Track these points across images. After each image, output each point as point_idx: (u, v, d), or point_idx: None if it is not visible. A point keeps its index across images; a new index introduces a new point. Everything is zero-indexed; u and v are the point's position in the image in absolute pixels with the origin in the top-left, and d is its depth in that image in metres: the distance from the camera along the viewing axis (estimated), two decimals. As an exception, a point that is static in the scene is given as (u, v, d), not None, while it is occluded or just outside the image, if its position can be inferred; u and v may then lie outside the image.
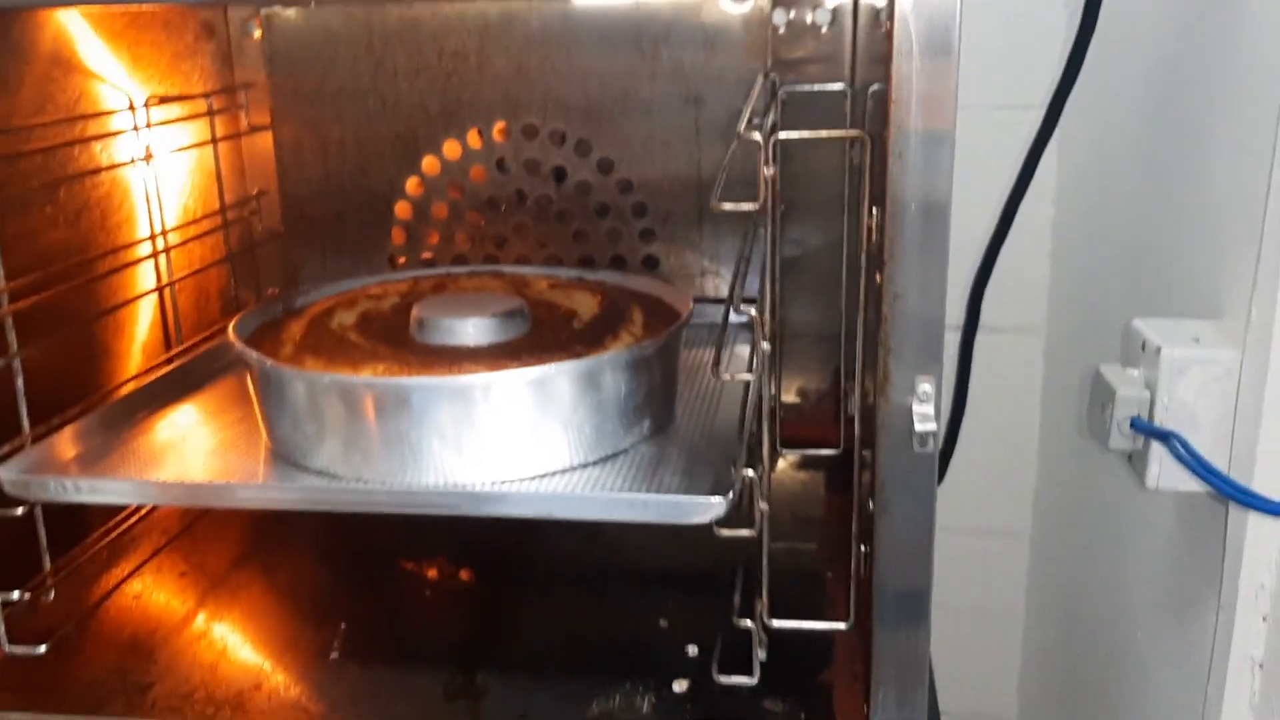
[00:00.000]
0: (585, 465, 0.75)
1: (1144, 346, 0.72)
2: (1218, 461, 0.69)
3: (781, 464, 1.08)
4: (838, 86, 0.90)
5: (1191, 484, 0.70)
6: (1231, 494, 0.65)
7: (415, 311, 0.83)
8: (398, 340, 0.81)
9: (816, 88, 0.94)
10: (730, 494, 0.67)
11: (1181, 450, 0.68)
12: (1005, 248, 1.08)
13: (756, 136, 0.60)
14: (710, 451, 0.77)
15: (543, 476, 0.74)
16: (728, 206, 0.61)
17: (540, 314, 0.86)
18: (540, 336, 0.82)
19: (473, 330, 0.80)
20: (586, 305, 0.88)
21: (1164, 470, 0.71)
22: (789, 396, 1.12)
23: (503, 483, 0.73)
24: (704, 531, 0.70)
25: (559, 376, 0.73)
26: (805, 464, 1.08)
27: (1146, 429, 0.71)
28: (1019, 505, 1.33)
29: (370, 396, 0.73)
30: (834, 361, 1.10)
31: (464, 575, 0.92)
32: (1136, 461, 0.74)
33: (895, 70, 0.55)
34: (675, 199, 1.07)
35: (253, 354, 0.77)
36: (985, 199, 1.07)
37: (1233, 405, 0.69)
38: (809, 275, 1.07)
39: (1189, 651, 0.76)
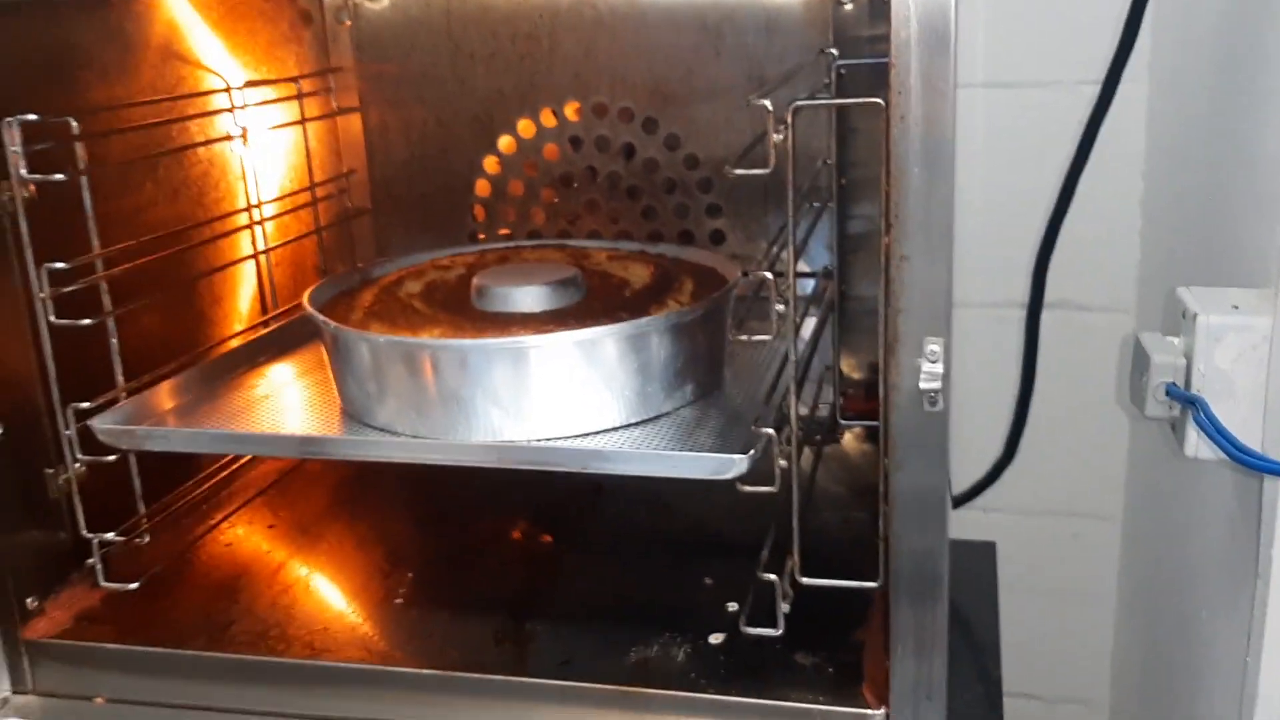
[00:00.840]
0: (628, 426, 0.79)
1: (1184, 314, 0.72)
2: (1255, 430, 0.69)
3: (846, 437, 1.10)
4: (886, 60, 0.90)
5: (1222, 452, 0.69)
6: (1242, 459, 0.65)
7: (475, 280, 0.88)
8: (458, 307, 0.86)
9: (867, 61, 0.95)
10: (752, 452, 0.69)
11: (1203, 418, 0.67)
12: (1094, 226, 1.07)
13: (765, 103, 0.62)
14: (750, 416, 0.80)
15: (586, 435, 0.78)
16: (739, 172, 0.64)
17: (594, 283, 0.90)
18: (591, 304, 0.86)
19: (527, 297, 0.85)
20: (640, 275, 0.92)
21: (1201, 439, 0.71)
22: (856, 372, 1.13)
23: (547, 439, 0.77)
24: (750, 495, 0.72)
25: (604, 340, 0.77)
26: (870, 437, 1.10)
27: (1179, 396, 0.71)
28: (1110, 486, 1.31)
29: (426, 357, 0.78)
30: (897, 335, 1.11)
31: (517, 534, 0.96)
32: (1177, 430, 0.74)
33: (894, 31, 0.56)
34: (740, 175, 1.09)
35: (321, 318, 0.83)
36: (1054, 176, 1.07)
37: (1265, 374, 0.68)
38: (875, 251, 1.08)
39: (1240, 624, 0.75)
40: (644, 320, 0.78)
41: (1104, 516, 1.33)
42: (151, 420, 0.86)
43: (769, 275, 0.65)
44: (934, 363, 0.62)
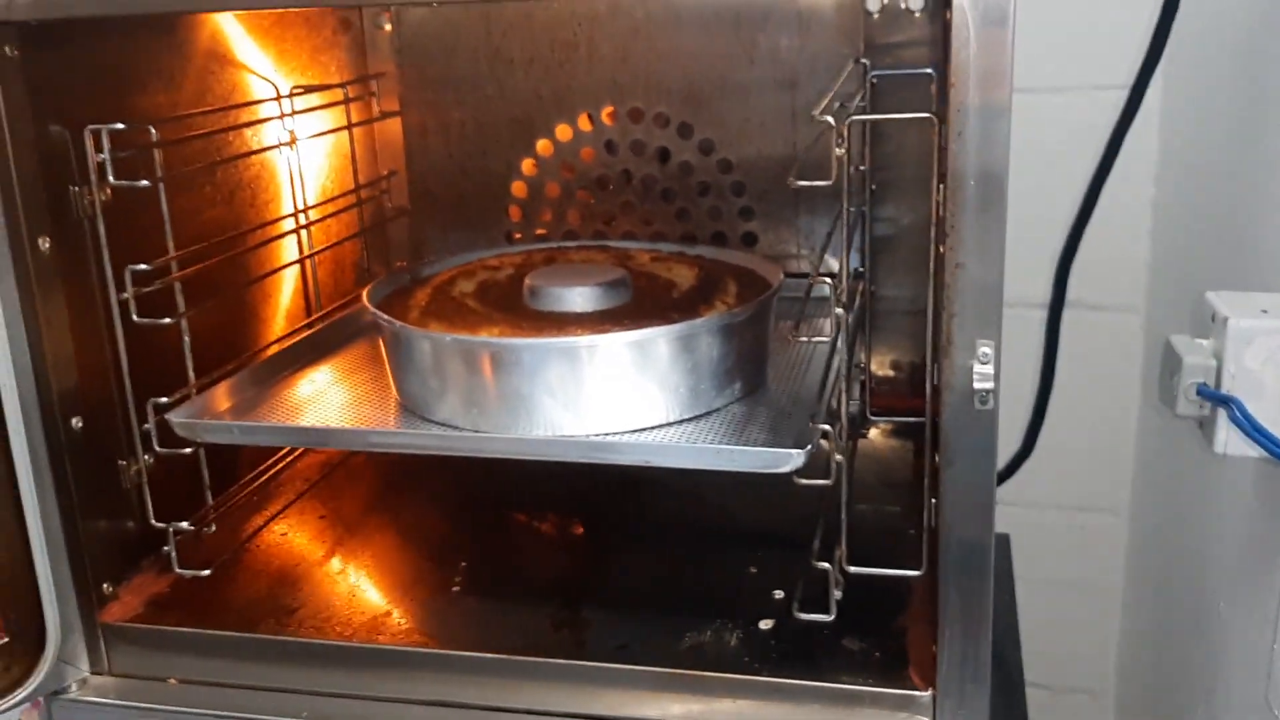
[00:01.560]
0: (681, 422, 0.82)
1: (1214, 317, 0.76)
2: (1282, 427, 0.73)
3: (874, 432, 1.14)
4: (924, 71, 0.94)
5: (1255, 449, 0.73)
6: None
7: (528, 281, 0.91)
8: (511, 307, 0.90)
9: (904, 72, 0.98)
10: (809, 447, 0.73)
11: (1239, 415, 0.71)
12: (1107, 226, 1.11)
13: (829, 119, 0.66)
14: (796, 413, 0.84)
15: (642, 430, 0.81)
16: (802, 184, 0.67)
17: (641, 284, 0.93)
18: (641, 304, 0.89)
19: (579, 298, 0.88)
20: (685, 276, 0.95)
21: (1230, 436, 0.75)
22: (882, 369, 1.17)
23: (605, 434, 0.80)
24: (790, 488, 0.76)
25: (658, 340, 0.81)
26: (896, 432, 1.13)
27: (1211, 395, 0.75)
28: (1118, 481, 1.35)
29: (487, 355, 0.81)
30: (924, 336, 1.14)
31: (572, 525, 1.00)
32: (1206, 428, 0.77)
33: (954, 52, 0.60)
34: (772, 179, 1.13)
35: (385, 317, 0.86)
36: (1077, 179, 1.10)
37: (1296, 373, 0.72)
38: (902, 253, 1.12)
39: (1262, 613, 0.79)
40: (698, 321, 0.82)
41: (1111, 511, 1.37)
42: (212, 416, 0.89)
43: (829, 281, 0.69)
44: (985, 364, 0.65)
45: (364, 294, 0.93)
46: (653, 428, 0.82)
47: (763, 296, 0.86)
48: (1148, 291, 1.27)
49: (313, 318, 1.11)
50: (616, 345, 0.80)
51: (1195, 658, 1.01)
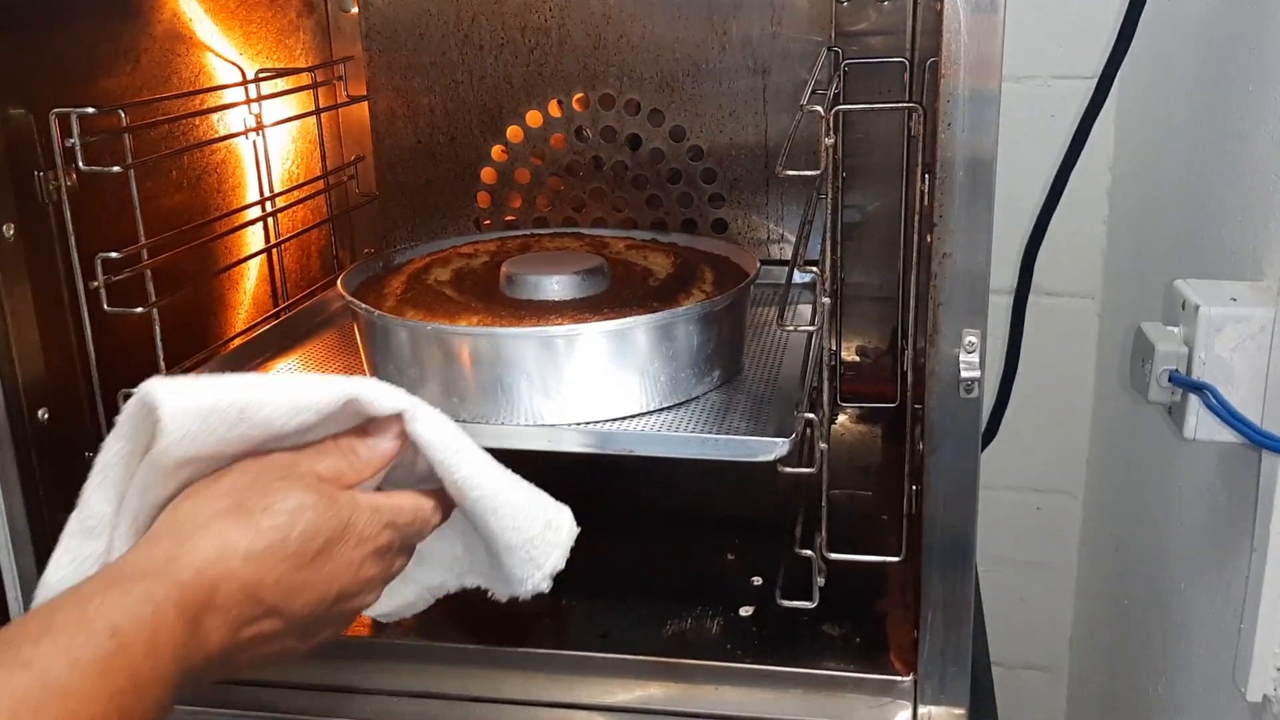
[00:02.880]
0: (661, 410, 0.82)
1: (1184, 305, 0.77)
2: (1252, 413, 0.74)
3: (842, 417, 1.15)
4: (898, 60, 0.95)
5: (1225, 434, 0.75)
6: (1261, 441, 0.70)
7: (505, 269, 0.90)
8: (489, 295, 0.89)
9: (878, 60, 0.99)
10: (793, 435, 0.73)
11: (1214, 401, 0.73)
12: (1063, 214, 1.12)
13: (818, 108, 0.66)
14: (775, 399, 0.84)
15: (622, 419, 0.81)
16: (791, 173, 0.67)
17: (619, 272, 0.93)
18: (619, 292, 0.89)
19: (557, 286, 0.88)
20: (661, 264, 0.95)
21: (1200, 421, 0.76)
22: (849, 355, 1.18)
23: (586, 423, 0.80)
24: (768, 475, 0.77)
25: (637, 329, 0.80)
26: (864, 417, 1.15)
27: (1183, 382, 0.76)
28: (1073, 463, 1.38)
29: (467, 345, 0.80)
30: (892, 321, 1.16)
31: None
32: (1175, 414, 0.79)
33: (945, 44, 0.60)
34: (743, 166, 1.13)
35: (363, 306, 0.85)
36: (1040, 167, 1.12)
37: (1266, 360, 0.74)
38: (869, 239, 1.13)
39: (1226, 595, 0.81)
40: (679, 310, 0.82)
41: (1067, 492, 1.40)
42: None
43: (814, 271, 0.69)
44: (971, 353, 0.66)
45: (339, 281, 0.91)
46: (633, 416, 0.82)
47: (741, 284, 0.87)
48: (1104, 278, 1.29)
49: (280, 306, 1.09)
50: (597, 334, 0.80)
51: (1154, 635, 1.04)
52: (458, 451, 0.63)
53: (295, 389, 0.60)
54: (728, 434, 0.78)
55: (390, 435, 0.63)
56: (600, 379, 0.80)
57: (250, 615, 0.55)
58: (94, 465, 0.60)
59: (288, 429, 0.60)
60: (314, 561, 0.58)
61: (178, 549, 0.53)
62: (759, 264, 0.91)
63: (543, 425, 0.80)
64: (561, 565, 0.68)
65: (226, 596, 0.53)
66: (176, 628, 0.50)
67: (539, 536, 0.67)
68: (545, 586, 0.68)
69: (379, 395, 0.62)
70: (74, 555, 0.58)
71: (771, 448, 0.75)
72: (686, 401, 0.84)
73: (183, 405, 0.57)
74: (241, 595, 0.54)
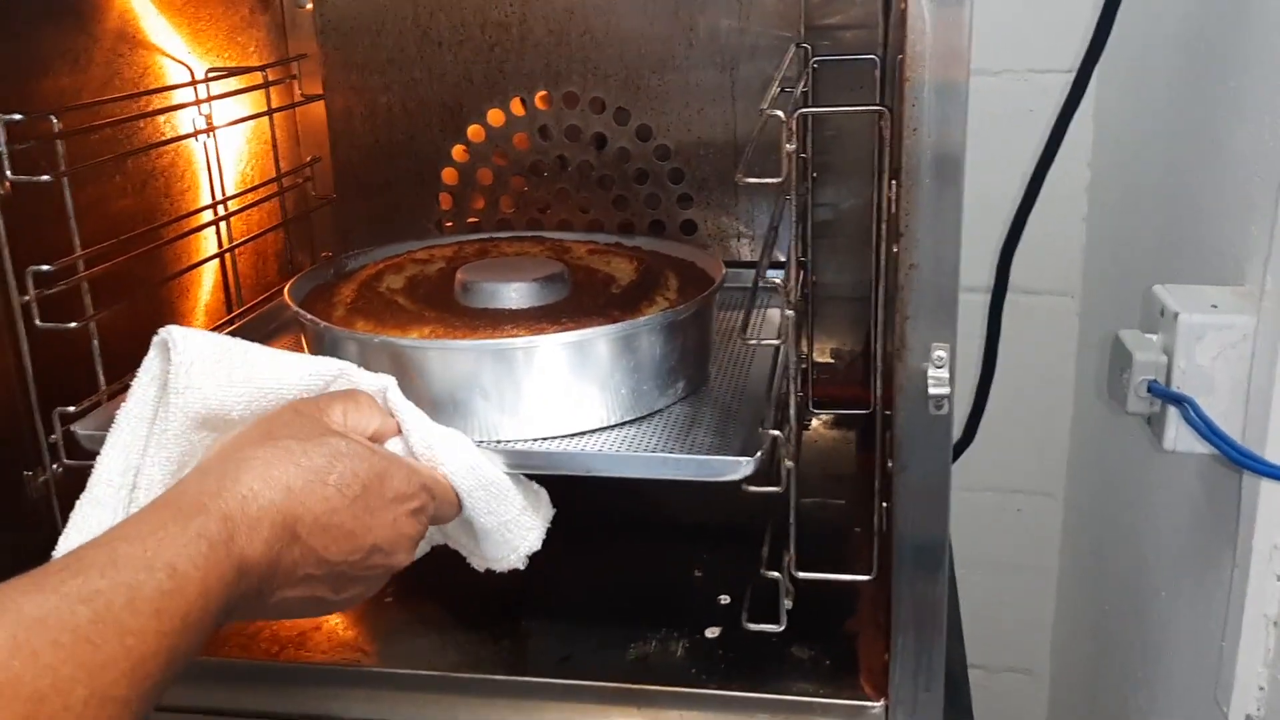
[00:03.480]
0: (622, 424, 0.79)
1: (1163, 312, 0.75)
2: (1233, 425, 0.72)
3: (815, 423, 1.12)
4: (869, 57, 0.92)
5: (1206, 447, 0.72)
6: (1238, 459, 0.68)
7: (460, 275, 0.86)
8: (443, 303, 0.85)
9: (848, 58, 0.96)
10: (759, 454, 0.70)
11: (1193, 415, 0.70)
12: (1042, 211, 1.10)
13: (779, 113, 0.63)
14: (741, 412, 0.81)
15: (582, 435, 0.78)
16: (751, 181, 0.64)
17: (580, 278, 0.89)
18: (580, 300, 0.85)
19: (515, 294, 0.84)
20: (624, 270, 0.92)
21: (1180, 433, 0.74)
22: (822, 357, 1.15)
23: (544, 440, 0.77)
24: (735, 489, 0.74)
25: (597, 340, 0.77)
26: (838, 423, 1.12)
27: (1163, 393, 0.74)
28: (1053, 465, 1.36)
29: (418, 358, 0.76)
30: (866, 323, 1.13)
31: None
32: (1155, 424, 0.77)
33: (910, 45, 0.57)
34: (711, 165, 1.10)
35: (309, 316, 0.82)
36: (1018, 162, 1.09)
37: (1248, 370, 0.71)
38: (842, 239, 1.10)
39: (1207, 609, 0.79)
40: (640, 320, 0.78)
41: (1047, 493, 1.37)
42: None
43: (778, 282, 0.66)
44: (940, 368, 0.63)
45: (285, 291, 0.88)
46: (593, 430, 0.78)
47: (706, 293, 0.83)
48: (1083, 277, 1.27)
49: (234, 313, 1.06)
50: (555, 346, 0.76)
51: (1134, 643, 1.02)
52: (431, 430, 0.68)
53: (297, 355, 0.68)
54: (692, 451, 0.75)
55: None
56: (559, 393, 0.77)
57: (288, 551, 0.57)
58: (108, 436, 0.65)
59: (295, 388, 0.66)
60: (351, 506, 0.60)
61: (224, 480, 0.56)
62: (725, 269, 0.88)
63: (497, 442, 0.76)
64: (538, 546, 0.72)
65: (270, 529, 0.55)
66: (226, 567, 0.52)
67: (514, 520, 0.70)
68: (520, 564, 0.72)
69: (364, 374, 0.69)
70: (80, 525, 0.63)
71: (736, 467, 0.71)
72: (650, 415, 0.80)
73: (193, 335, 0.66)
74: (283, 529, 0.56)
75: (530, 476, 0.75)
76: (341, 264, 0.97)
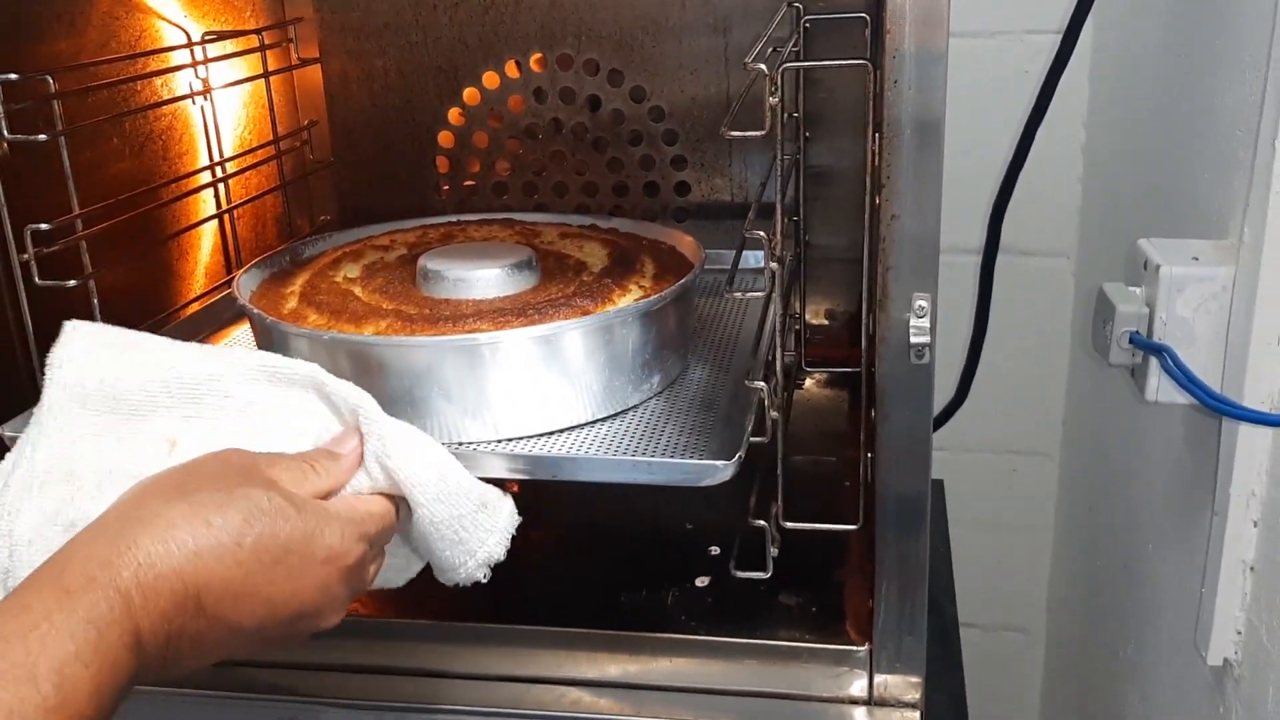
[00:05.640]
0: (594, 422, 0.75)
1: (1146, 265, 0.76)
2: (1212, 375, 0.73)
3: (809, 382, 1.13)
4: (859, 16, 0.92)
5: (1186, 397, 0.73)
6: (1213, 405, 0.69)
7: (421, 262, 0.82)
8: (402, 294, 0.81)
9: (838, 16, 0.96)
10: (737, 456, 0.68)
11: (1171, 364, 0.71)
12: (1037, 171, 1.11)
13: (762, 67, 0.64)
14: (722, 407, 0.77)
15: (551, 434, 0.73)
16: (735, 134, 0.65)
17: (549, 265, 0.85)
18: (548, 289, 0.81)
19: (479, 283, 0.79)
20: (597, 256, 0.88)
21: (1161, 384, 0.75)
22: (817, 319, 1.16)
23: (509, 440, 0.73)
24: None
25: (568, 333, 0.72)
26: (831, 382, 1.13)
27: (1143, 344, 0.75)
28: (1049, 425, 1.37)
29: (372, 356, 0.71)
30: (859, 284, 1.13)
31: (504, 483, 0.98)
32: (1138, 375, 0.78)
33: (890, 0, 0.58)
34: (705, 127, 1.10)
35: (255, 311, 0.77)
36: (1013, 124, 1.10)
37: (1226, 321, 0.72)
38: (836, 200, 1.11)
39: (1190, 558, 0.80)
40: (611, 310, 0.75)
41: (1042, 453, 1.39)
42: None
43: (763, 235, 0.67)
44: (921, 317, 0.64)
45: (235, 280, 0.83)
46: (565, 429, 0.74)
47: (682, 280, 0.78)
48: (1079, 237, 1.28)
49: (234, 275, 1.07)
50: (521, 341, 0.71)
51: (1124, 598, 1.03)
52: (378, 419, 0.61)
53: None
54: (668, 451, 0.71)
55: (354, 437, 0.61)
56: (526, 392, 0.72)
57: (192, 623, 0.51)
58: None
59: (195, 375, 0.62)
60: (268, 571, 0.53)
61: (118, 544, 0.50)
62: (704, 252, 0.84)
63: (459, 445, 0.72)
64: (499, 554, 0.64)
65: (169, 600, 0.50)
66: (119, 652, 0.47)
67: (469, 516, 0.62)
68: (482, 575, 0.65)
69: (293, 363, 0.63)
70: None
71: (713, 471, 0.68)
72: (624, 411, 0.76)
73: (88, 324, 0.62)
74: (184, 599, 0.50)
75: (496, 481, 0.67)
76: (298, 250, 0.93)
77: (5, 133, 0.75)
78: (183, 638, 0.51)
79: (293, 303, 0.81)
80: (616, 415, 0.76)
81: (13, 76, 0.75)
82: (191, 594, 0.51)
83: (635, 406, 0.77)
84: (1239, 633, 0.73)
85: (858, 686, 0.74)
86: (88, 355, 0.61)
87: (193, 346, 0.64)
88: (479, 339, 0.71)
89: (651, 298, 0.76)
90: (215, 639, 0.53)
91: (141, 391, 0.62)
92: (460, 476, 0.63)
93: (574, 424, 0.74)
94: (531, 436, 0.73)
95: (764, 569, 0.76)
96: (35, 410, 0.62)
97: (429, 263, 0.81)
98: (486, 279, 0.80)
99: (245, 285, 0.84)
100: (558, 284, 0.82)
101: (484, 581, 0.65)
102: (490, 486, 0.65)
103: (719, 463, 0.68)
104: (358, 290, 0.82)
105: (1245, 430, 0.70)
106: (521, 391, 0.72)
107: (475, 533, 0.63)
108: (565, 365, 0.73)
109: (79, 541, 0.51)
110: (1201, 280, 0.73)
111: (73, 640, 0.46)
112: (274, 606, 0.54)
